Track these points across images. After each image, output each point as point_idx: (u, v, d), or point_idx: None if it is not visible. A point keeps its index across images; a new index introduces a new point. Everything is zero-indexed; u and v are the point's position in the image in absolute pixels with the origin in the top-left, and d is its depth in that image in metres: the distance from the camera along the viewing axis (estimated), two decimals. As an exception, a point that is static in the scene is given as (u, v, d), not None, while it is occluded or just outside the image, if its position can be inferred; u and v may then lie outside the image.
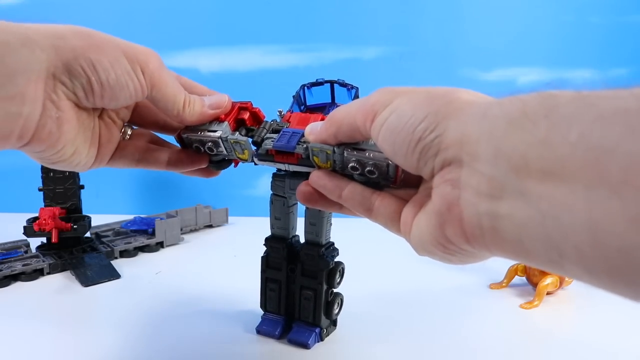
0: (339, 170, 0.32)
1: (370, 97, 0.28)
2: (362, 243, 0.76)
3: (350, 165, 0.31)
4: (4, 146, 0.28)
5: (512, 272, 0.60)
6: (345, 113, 0.29)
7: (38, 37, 0.28)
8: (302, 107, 0.40)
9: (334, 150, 0.31)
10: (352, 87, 0.39)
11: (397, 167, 0.30)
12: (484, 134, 0.21)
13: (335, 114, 0.30)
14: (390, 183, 0.31)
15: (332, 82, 0.40)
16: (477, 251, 0.24)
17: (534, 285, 0.57)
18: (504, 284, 0.60)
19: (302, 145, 0.34)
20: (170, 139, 0.40)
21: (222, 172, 0.41)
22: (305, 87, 0.40)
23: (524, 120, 0.20)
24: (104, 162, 0.35)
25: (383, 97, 0.27)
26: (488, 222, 0.21)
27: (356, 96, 0.39)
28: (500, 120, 0.21)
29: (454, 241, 0.24)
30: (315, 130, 0.32)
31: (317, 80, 0.40)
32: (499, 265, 0.62)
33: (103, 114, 0.35)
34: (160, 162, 0.37)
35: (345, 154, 0.31)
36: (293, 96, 0.40)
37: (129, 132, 0.37)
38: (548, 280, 0.55)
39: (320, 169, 0.33)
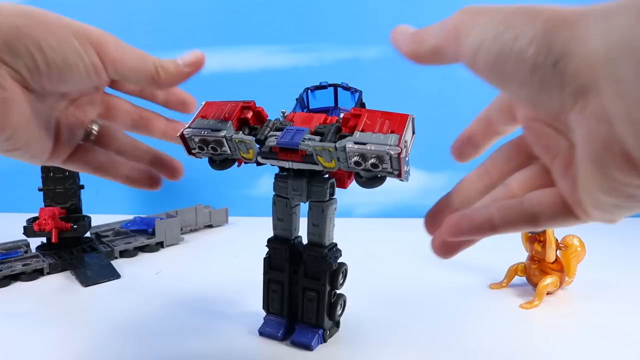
0: (345, 168, 0.32)
1: (450, 18, 0.24)
2: (364, 244, 0.76)
3: (354, 160, 0.31)
4: None
5: (512, 272, 0.60)
6: (427, 33, 0.25)
7: None
8: (304, 110, 0.40)
9: (335, 147, 0.31)
10: (356, 91, 0.39)
11: (399, 158, 0.29)
12: (615, 48, 0.18)
13: (420, 31, 0.26)
14: (396, 176, 0.30)
15: (335, 86, 0.40)
16: None
17: (534, 285, 0.57)
18: (504, 284, 0.60)
19: (307, 142, 0.33)
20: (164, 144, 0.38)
21: (223, 172, 0.41)
22: (309, 90, 0.40)
23: None
24: (59, 160, 0.34)
25: (465, 17, 0.23)
26: None
27: (359, 99, 0.39)
28: (632, 29, 0.18)
29: (627, 181, 0.20)
30: (405, 36, 0.27)
31: (320, 83, 0.40)
32: (499, 265, 0.62)
33: (67, 111, 0.33)
34: (119, 176, 0.36)
35: (347, 150, 0.31)
36: (296, 99, 0.40)
37: (95, 128, 0.35)
38: (548, 280, 0.55)
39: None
